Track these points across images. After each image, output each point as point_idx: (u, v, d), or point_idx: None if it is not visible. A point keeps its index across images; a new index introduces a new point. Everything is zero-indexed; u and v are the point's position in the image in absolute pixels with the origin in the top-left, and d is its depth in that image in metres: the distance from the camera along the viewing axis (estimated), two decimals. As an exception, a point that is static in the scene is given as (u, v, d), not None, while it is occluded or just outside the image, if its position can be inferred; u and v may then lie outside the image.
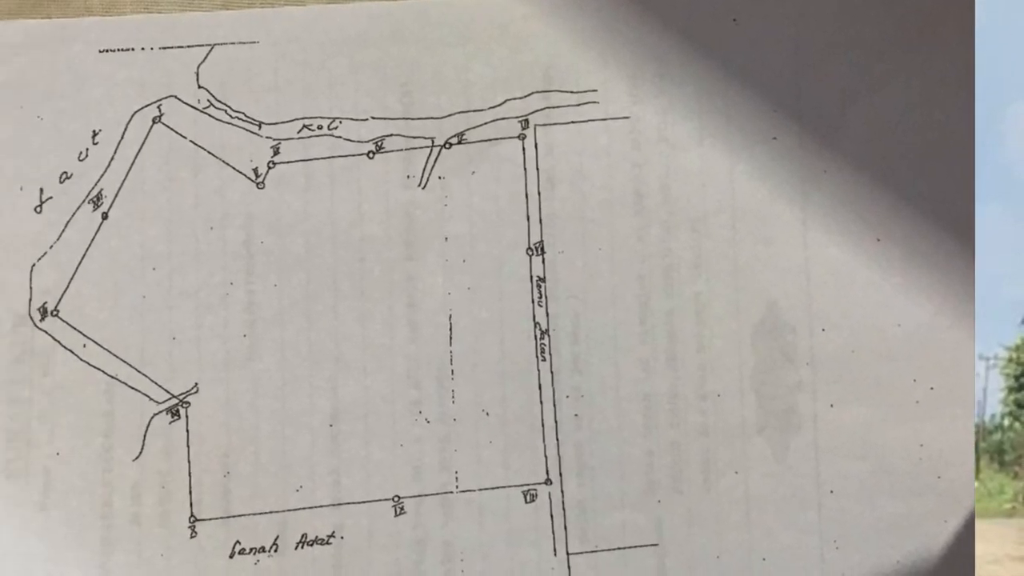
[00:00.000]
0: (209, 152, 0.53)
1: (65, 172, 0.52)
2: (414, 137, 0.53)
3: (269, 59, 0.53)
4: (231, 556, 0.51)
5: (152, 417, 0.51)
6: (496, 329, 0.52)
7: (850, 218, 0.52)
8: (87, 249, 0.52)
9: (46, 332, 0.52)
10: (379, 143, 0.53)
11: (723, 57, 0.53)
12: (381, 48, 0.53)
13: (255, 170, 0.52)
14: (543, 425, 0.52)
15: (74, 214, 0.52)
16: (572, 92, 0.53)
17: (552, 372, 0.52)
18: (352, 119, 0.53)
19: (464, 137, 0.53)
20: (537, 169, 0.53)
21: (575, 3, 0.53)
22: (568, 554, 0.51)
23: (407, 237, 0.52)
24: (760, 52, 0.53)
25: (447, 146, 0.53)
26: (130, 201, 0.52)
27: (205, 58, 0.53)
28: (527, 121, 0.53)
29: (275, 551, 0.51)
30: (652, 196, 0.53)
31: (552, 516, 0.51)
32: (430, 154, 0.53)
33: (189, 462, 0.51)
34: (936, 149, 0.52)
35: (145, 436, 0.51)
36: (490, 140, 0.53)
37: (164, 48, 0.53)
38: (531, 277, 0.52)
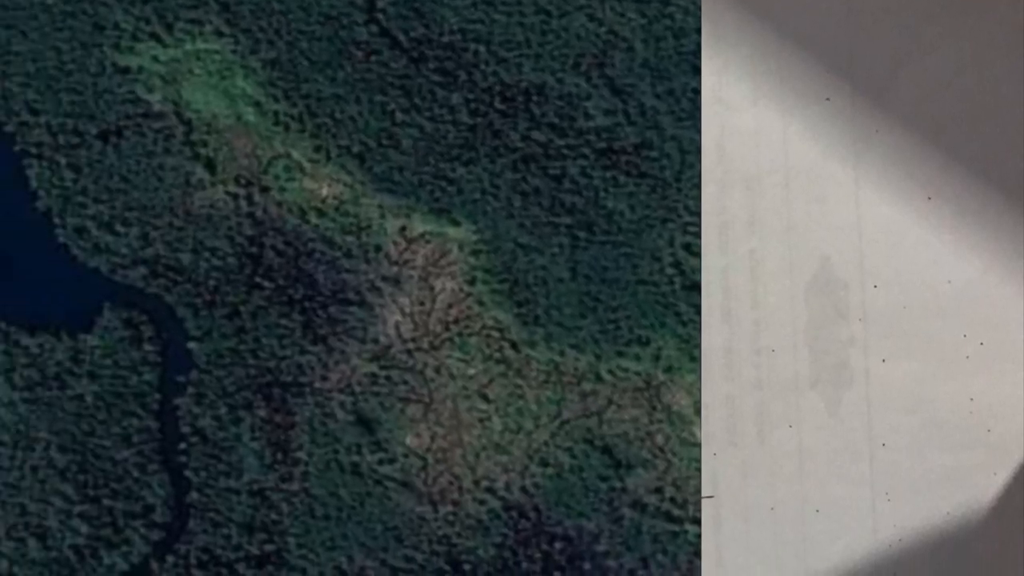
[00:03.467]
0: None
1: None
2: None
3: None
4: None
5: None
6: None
7: (901, 177, 0.54)
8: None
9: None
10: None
11: (777, 20, 0.54)
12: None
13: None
14: (601, 379, 0.53)
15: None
16: (630, 54, 0.54)
17: (610, 327, 0.53)
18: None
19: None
20: (595, 129, 0.54)
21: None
22: (625, 504, 0.52)
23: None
24: (813, 16, 0.54)
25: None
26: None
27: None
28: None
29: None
30: (707, 155, 0.54)
31: (609, 468, 0.52)
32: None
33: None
34: (986, 110, 0.54)
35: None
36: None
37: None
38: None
